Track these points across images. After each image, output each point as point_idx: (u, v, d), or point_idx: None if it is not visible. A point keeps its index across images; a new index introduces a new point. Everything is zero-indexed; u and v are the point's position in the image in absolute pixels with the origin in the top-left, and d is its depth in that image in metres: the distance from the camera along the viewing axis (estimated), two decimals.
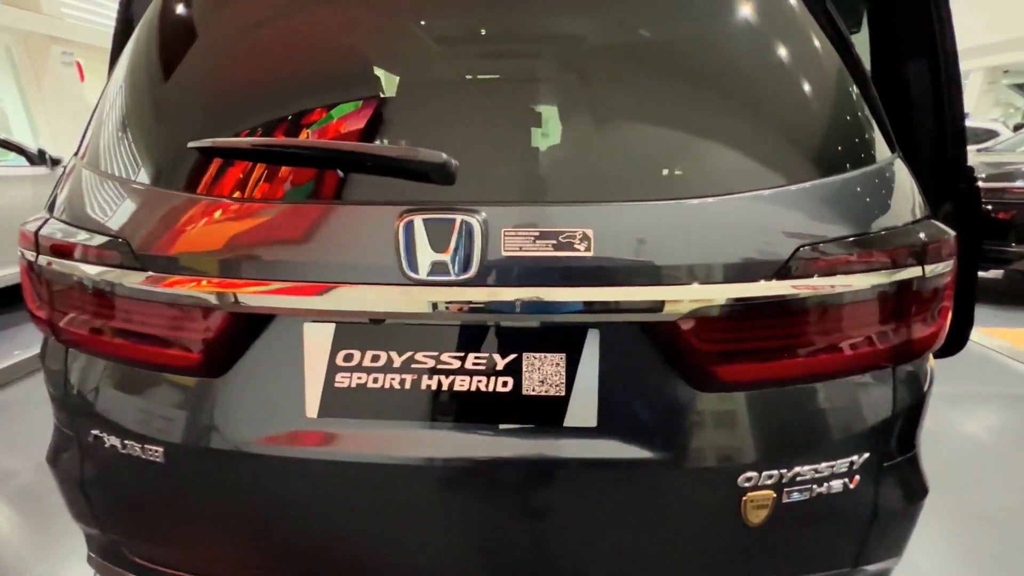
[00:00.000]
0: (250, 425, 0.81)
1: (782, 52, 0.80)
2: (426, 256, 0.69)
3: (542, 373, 0.77)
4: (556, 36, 0.86)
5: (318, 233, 0.73)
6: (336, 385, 0.79)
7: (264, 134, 0.79)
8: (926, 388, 0.85)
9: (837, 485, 0.80)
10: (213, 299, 0.74)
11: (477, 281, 0.69)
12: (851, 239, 0.73)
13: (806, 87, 0.79)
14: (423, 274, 0.69)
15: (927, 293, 0.77)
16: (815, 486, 0.79)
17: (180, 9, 0.91)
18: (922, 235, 0.76)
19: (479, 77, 0.87)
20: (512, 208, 0.71)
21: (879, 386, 0.81)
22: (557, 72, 0.84)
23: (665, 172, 0.75)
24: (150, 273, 0.76)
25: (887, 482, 0.83)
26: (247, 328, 0.78)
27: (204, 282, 0.75)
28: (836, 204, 0.75)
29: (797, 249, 0.71)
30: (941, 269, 0.77)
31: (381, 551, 0.87)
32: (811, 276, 0.71)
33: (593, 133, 0.78)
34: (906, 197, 0.80)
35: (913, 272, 0.75)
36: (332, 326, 0.78)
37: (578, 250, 0.69)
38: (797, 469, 0.78)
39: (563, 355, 0.76)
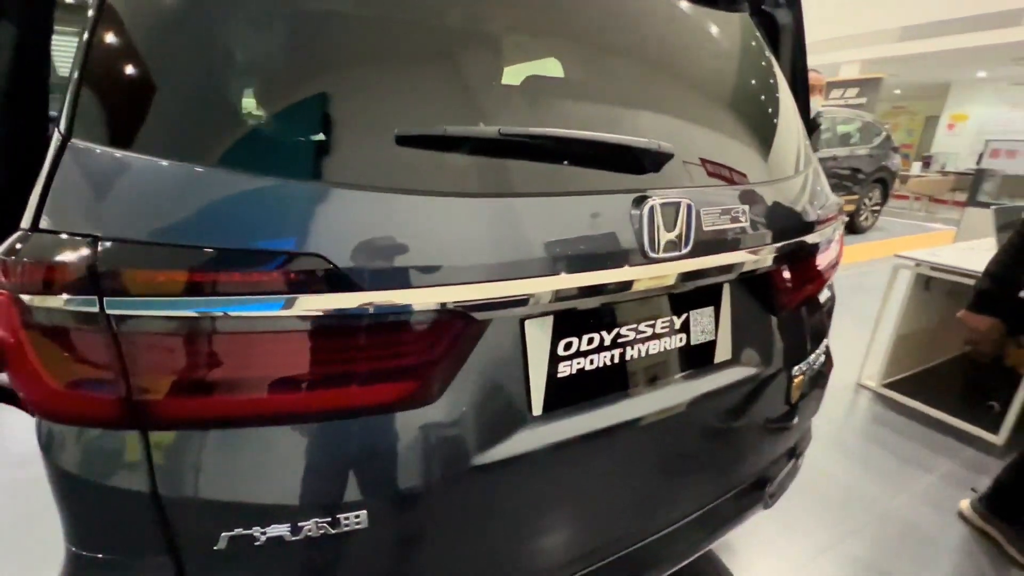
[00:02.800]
0: (472, 444, 0.73)
1: (785, 99, 1.17)
2: (662, 236, 0.79)
3: (701, 325, 0.95)
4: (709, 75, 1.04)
5: (561, 223, 0.73)
6: (559, 376, 0.80)
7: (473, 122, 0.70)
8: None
9: (820, 363, 1.25)
10: (476, 310, 0.66)
11: (691, 254, 0.83)
12: (828, 204, 1.15)
13: (793, 115, 1.18)
14: (661, 252, 0.79)
15: (839, 237, 1.27)
16: (815, 366, 1.22)
17: None
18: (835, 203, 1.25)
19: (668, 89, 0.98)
20: (698, 191, 0.86)
21: (829, 297, 1.28)
22: (711, 93, 1.03)
23: (766, 165, 1.03)
24: (371, 291, 0.61)
25: (829, 360, 1.33)
26: (469, 341, 0.71)
27: (441, 292, 0.65)
28: (816, 183, 1.16)
29: (815, 214, 1.09)
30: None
31: (625, 503, 0.92)
32: (818, 231, 1.10)
33: (729, 130, 0.99)
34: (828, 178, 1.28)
35: (843, 223, 1.23)
36: (551, 318, 0.78)
37: (741, 222, 0.90)
38: (811, 357, 1.18)
39: (712, 307, 0.96)
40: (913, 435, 2.37)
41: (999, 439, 2.31)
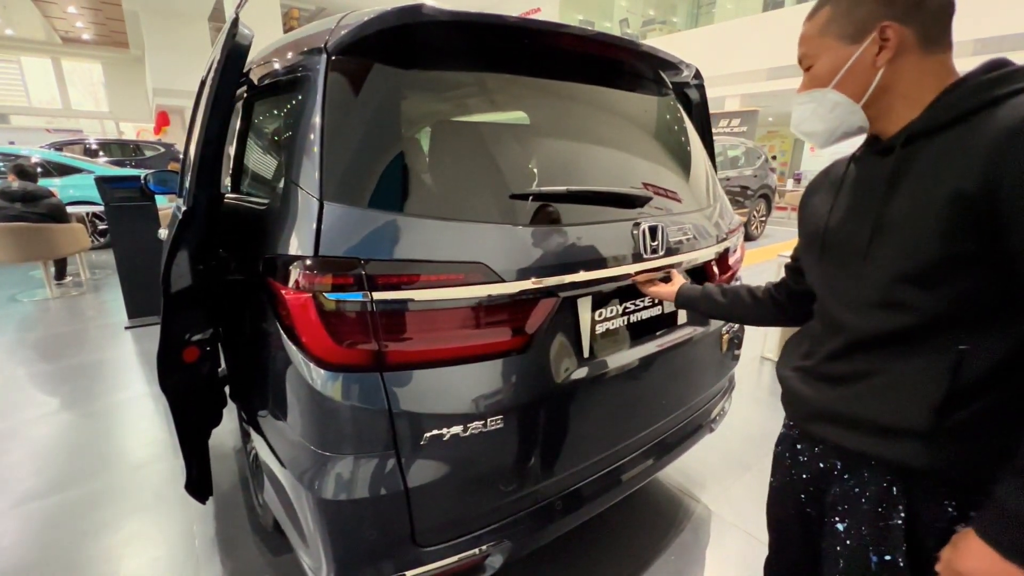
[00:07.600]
0: (554, 372, 1.21)
1: (699, 154, 1.78)
2: (648, 244, 1.32)
3: None
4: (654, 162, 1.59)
5: (596, 240, 1.24)
6: (596, 332, 1.30)
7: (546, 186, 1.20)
8: None
9: (738, 329, 1.86)
10: (560, 291, 1.14)
11: (664, 255, 1.37)
12: (733, 220, 1.78)
13: (706, 163, 1.80)
14: (648, 254, 1.32)
15: (741, 243, 1.91)
16: (734, 328, 1.82)
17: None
18: (737, 220, 1.90)
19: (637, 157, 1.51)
20: (663, 216, 1.41)
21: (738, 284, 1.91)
22: (662, 154, 1.58)
23: (694, 198, 1.61)
24: (508, 282, 1.08)
25: (743, 329, 1.95)
26: (550, 311, 1.19)
27: (552, 280, 1.13)
28: (724, 207, 1.78)
29: (721, 230, 1.70)
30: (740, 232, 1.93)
31: (637, 407, 1.43)
32: (728, 238, 1.71)
33: (674, 177, 1.56)
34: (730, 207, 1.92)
35: (743, 232, 1.87)
36: (590, 297, 1.28)
37: (688, 235, 1.47)
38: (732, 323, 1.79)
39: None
40: None
41: None
